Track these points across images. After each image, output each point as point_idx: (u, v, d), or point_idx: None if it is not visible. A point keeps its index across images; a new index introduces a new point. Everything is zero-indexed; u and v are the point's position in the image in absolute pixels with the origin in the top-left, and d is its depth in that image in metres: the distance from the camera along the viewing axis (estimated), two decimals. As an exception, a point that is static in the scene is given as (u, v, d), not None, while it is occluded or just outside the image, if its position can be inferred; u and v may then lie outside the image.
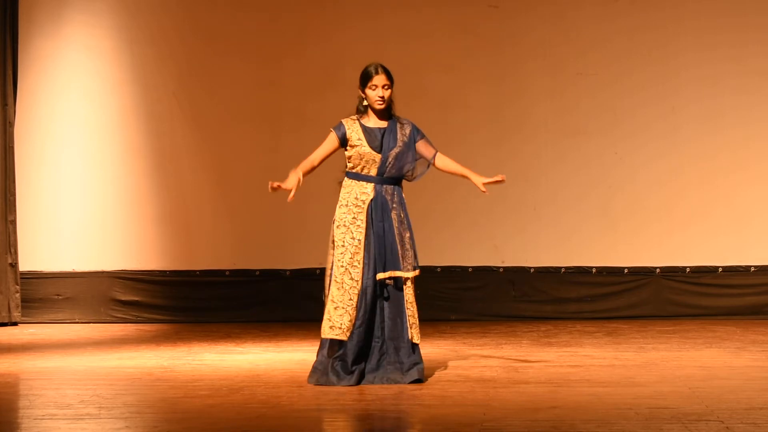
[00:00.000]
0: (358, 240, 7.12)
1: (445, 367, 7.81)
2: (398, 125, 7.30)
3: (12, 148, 11.46)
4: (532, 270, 11.27)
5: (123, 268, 11.59)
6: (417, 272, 7.15)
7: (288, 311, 11.33)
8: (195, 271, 11.54)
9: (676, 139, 11.20)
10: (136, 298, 11.54)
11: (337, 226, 7.17)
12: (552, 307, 11.19)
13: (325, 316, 7.10)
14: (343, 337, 7.05)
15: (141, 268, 11.58)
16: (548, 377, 7.27)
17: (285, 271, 11.38)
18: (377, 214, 7.15)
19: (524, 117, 11.32)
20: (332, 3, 11.51)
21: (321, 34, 11.46)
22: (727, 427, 5.45)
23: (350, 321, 7.06)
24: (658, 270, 11.17)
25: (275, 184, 7.05)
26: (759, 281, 11.05)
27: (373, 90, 7.25)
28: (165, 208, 11.60)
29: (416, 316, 7.13)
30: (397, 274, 7.10)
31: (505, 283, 11.28)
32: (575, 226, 11.25)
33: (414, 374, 7.04)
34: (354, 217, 7.15)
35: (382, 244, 7.12)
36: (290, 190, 7.07)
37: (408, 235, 7.17)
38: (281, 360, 8.35)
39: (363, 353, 7.09)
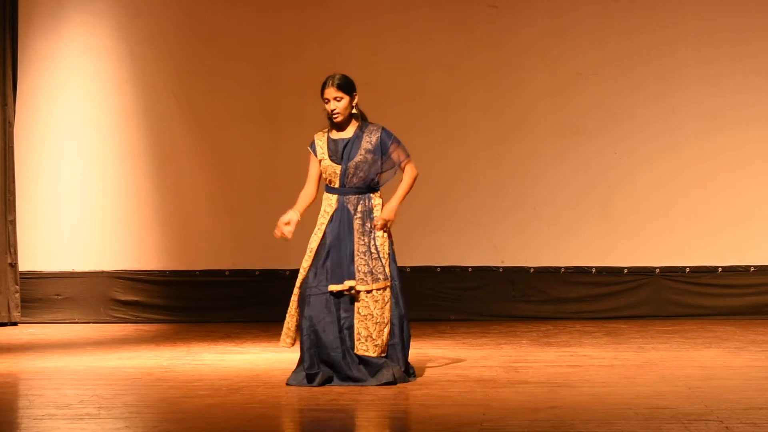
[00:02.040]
0: (311, 249, 7.19)
1: (445, 367, 7.81)
2: (365, 133, 7.25)
3: (12, 148, 11.46)
4: (531, 270, 11.27)
5: (122, 268, 11.59)
6: (374, 285, 7.07)
7: (287, 311, 11.31)
8: (195, 271, 11.54)
9: (676, 139, 11.20)
10: (136, 298, 11.54)
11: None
12: (551, 307, 11.19)
13: None
14: (285, 345, 7.23)
15: (140, 268, 11.58)
16: (548, 377, 7.27)
17: (285, 271, 11.37)
18: (335, 225, 7.16)
19: (524, 117, 11.32)
20: (332, 3, 11.51)
21: (321, 34, 11.46)
22: (727, 427, 5.45)
23: (289, 328, 7.21)
24: (657, 270, 11.17)
25: (280, 234, 7.16)
26: (759, 281, 11.04)
27: (326, 104, 7.24)
28: (165, 208, 11.60)
29: (377, 330, 7.05)
30: (351, 284, 7.08)
31: (505, 283, 11.28)
32: (575, 226, 11.25)
33: (379, 379, 7.03)
34: (318, 228, 7.23)
35: (337, 254, 7.13)
36: (289, 231, 7.17)
37: (374, 244, 7.13)
38: (281, 360, 8.34)
39: (323, 359, 7.08)
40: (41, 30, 11.66)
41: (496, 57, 11.35)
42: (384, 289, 7.10)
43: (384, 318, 7.08)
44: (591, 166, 11.27)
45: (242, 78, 11.50)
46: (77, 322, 11.49)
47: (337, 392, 6.80)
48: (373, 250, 7.12)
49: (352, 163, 7.17)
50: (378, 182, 7.27)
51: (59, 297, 11.59)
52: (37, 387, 7.41)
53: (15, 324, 11.34)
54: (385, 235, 7.20)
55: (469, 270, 11.32)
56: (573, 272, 11.24)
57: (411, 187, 7.34)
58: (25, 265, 11.54)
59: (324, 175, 7.25)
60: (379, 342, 7.06)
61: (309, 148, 7.31)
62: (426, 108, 11.34)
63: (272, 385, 7.13)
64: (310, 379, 7.04)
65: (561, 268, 11.25)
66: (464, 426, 5.66)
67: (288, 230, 7.19)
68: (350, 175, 7.18)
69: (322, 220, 7.21)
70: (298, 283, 7.23)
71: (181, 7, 11.64)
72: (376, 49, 11.41)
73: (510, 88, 11.34)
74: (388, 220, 7.21)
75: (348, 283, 7.10)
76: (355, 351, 7.07)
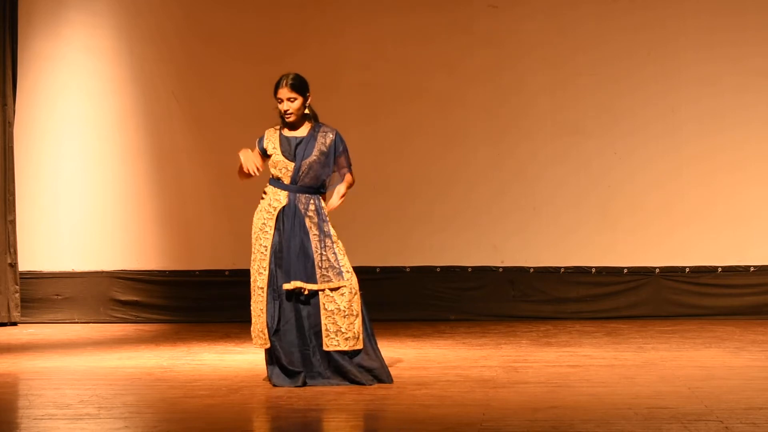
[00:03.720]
0: (265, 246, 7.19)
1: (445, 367, 7.81)
2: (319, 134, 7.24)
3: (11, 148, 11.47)
4: (531, 270, 11.27)
5: (122, 268, 11.59)
6: (328, 285, 7.03)
7: (287, 311, 11.32)
8: (194, 271, 11.54)
9: (676, 139, 11.20)
10: (136, 298, 11.54)
11: (253, 233, 7.28)
12: (551, 307, 11.19)
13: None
14: (260, 346, 7.15)
15: (140, 268, 11.58)
16: (547, 377, 7.27)
17: (284, 271, 11.37)
18: (288, 222, 7.15)
19: (523, 117, 11.32)
20: (332, 3, 11.51)
21: (321, 35, 11.46)
22: (726, 427, 5.45)
23: (260, 330, 7.12)
24: (657, 270, 11.17)
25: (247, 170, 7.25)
26: (759, 281, 11.04)
27: (279, 104, 7.26)
28: (165, 208, 11.61)
29: (347, 323, 7.00)
30: (300, 284, 7.06)
31: (505, 283, 11.28)
32: (574, 225, 11.25)
33: (350, 378, 7.02)
34: (264, 223, 7.23)
35: (289, 252, 7.10)
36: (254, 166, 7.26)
37: (325, 244, 7.10)
38: (281, 360, 8.33)
39: (299, 358, 7.06)
40: (41, 30, 11.66)
41: (495, 57, 11.35)
42: (349, 281, 7.06)
43: (353, 310, 7.04)
44: (591, 165, 11.28)
45: (242, 78, 11.50)
46: (77, 322, 11.49)
47: (337, 392, 6.80)
48: (329, 245, 7.10)
49: (306, 162, 7.18)
50: (325, 186, 7.27)
51: (59, 297, 11.59)
52: (36, 387, 7.41)
53: (15, 324, 11.34)
54: (333, 234, 7.17)
55: (469, 270, 11.32)
56: (573, 272, 11.24)
57: (347, 190, 7.31)
58: (24, 265, 11.54)
59: (273, 171, 7.26)
60: (350, 335, 7.02)
61: (256, 142, 7.38)
62: (425, 108, 11.34)
63: (271, 385, 7.13)
64: (291, 375, 7.00)
65: (561, 268, 11.25)
66: (464, 426, 5.66)
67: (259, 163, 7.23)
68: (303, 174, 7.18)
69: (268, 216, 7.20)
70: (261, 283, 7.16)
71: (181, 7, 11.64)
72: (375, 50, 11.42)
73: (509, 88, 11.34)
74: (333, 208, 7.20)
75: (295, 283, 7.07)
76: (324, 347, 7.03)
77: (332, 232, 7.19)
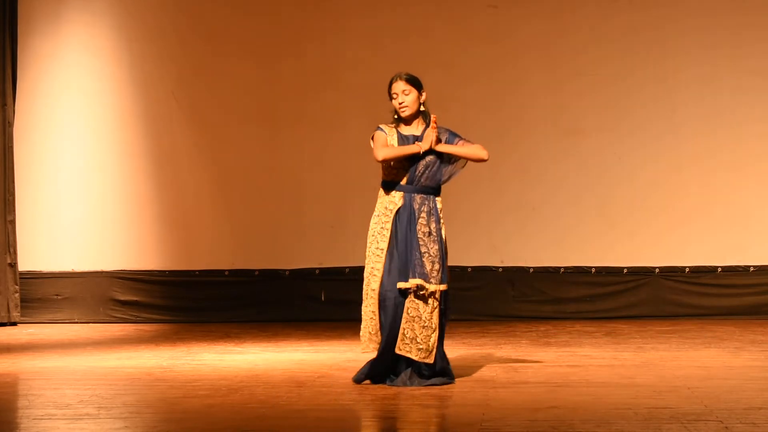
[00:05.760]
0: (381, 249, 7.00)
1: (445, 367, 7.80)
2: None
3: (11, 148, 11.47)
4: (531, 270, 11.27)
5: (122, 268, 11.59)
6: (440, 287, 6.94)
7: (287, 311, 11.34)
8: (194, 271, 11.54)
9: (675, 139, 11.21)
10: (136, 298, 11.54)
11: (370, 236, 7.08)
12: (551, 307, 11.20)
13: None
14: (368, 349, 7.00)
15: (140, 268, 11.58)
16: (547, 377, 7.27)
17: (284, 271, 11.38)
18: (403, 223, 6.99)
19: (523, 116, 11.33)
20: (331, 2, 11.51)
21: (320, 34, 11.47)
22: (726, 427, 5.45)
23: (371, 332, 6.98)
24: (657, 270, 11.17)
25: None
26: (758, 281, 11.05)
27: (395, 98, 7.11)
28: (164, 208, 11.61)
29: (423, 334, 6.90)
30: (419, 282, 6.92)
31: (504, 283, 11.28)
32: (574, 225, 11.26)
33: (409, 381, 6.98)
34: (382, 227, 7.03)
35: (403, 252, 6.96)
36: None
37: (435, 248, 6.97)
38: (280, 360, 8.35)
39: (395, 362, 6.99)
40: (41, 30, 11.66)
41: (494, 56, 11.35)
42: (435, 292, 6.98)
43: (432, 323, 6.93)
44: (590, 165, 11.28)
45: (242, 77, 11.51)
46: (77, 322, 11.49)
47: (337, 392, 6.80)
48: (433, 252, 7.01)
49: (423, 162, 7.03)
50: (440, 187, 7.11)
51: (59, 297, 11.59)
52: (36, 387, 7.41)
53: (14, 324, 11.35)
54: (443, 238, 7.09)
55: (469, 270, 11.32)
56: (572, 272, 11.24)
57: (465, 155, 7.20)
58: (24, 265, 11.55)
59: (390, 170, 7.06)
60: (423, 347, 6.91)
61: (379, 129, 7.09)
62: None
63: (272, 385, 7.13)
64: (383, 374, 6.97)
65: (560, 268, 11.25)
66: (464, 426, 5.66)
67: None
68: (419, 174, 7.03)
69: (386, 219, 7.02)
70: (375, 286, 6.98)
71: (181, 7, 11.64)
72: (374, 48, 11.42)
73: (509, 87, 11.34)
74: (431, 141, 7.03)
75: (414, 281, 6.92)
76: (396, 350, 6.94)
77: (443, 236, 7.04)
